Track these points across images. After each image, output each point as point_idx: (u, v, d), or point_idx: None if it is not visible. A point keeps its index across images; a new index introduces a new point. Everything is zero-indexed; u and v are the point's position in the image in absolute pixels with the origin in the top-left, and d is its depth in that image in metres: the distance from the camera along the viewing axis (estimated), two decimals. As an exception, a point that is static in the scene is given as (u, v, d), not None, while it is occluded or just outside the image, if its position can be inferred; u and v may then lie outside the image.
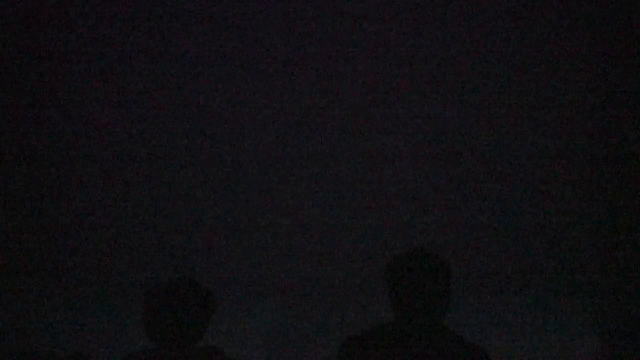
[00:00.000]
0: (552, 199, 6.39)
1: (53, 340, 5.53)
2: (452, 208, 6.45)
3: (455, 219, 6.45)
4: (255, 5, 6.37)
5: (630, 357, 5.11)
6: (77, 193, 6.53)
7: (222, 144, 6.50)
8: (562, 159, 6.38)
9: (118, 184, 6.53)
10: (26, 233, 6.45)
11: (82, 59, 6.45)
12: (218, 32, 6.40)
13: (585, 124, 6.34)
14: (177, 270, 6.61)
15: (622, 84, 6.21)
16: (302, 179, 6.52)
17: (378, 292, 6.32)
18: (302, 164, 6.50)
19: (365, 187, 6.48)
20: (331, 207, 6.51)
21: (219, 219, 6.54)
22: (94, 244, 6.58)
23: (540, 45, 6.30)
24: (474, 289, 6.33)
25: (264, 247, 6.56)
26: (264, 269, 6.58)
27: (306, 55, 6.43)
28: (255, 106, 6.48)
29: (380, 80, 6.42)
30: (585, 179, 6.37)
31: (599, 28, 6.21)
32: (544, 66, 6.33)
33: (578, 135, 6.35)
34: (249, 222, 6.55)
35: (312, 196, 6.51)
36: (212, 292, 2.48)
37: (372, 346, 2.42)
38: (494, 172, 6.41)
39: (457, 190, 6.44)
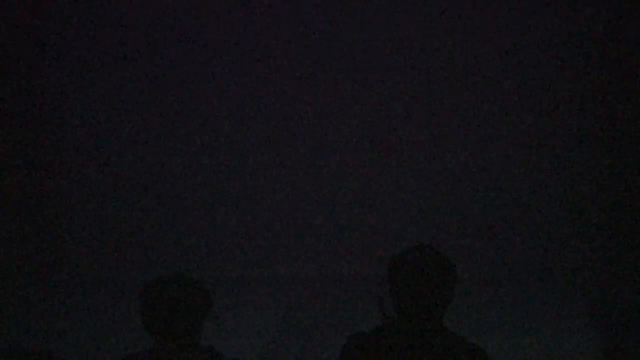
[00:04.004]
0: (552, 197, 6.40)
1: (52, 341, 5.54)
2: (452, 208, 6.46)
3: (456, 218, 6.45)
4: (258, 6, 6.38)
5: (629, 354, 5.12)
6: (76, 192, 6.54)
7: (222, 140, 6.50)
8: (562, 159, 6.39)
9: (116, 183, 6.54)
10: (26, 233, 6.46)
11: (82, 60, 6.45)
12: (218, 31, 6.41)
13: (589, 123, 6.35)
14: (177, 268, 6.61)
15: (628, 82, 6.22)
16: (303, 177, 6.52)
17: (380, 292, 6.33)
18: (303, 163, 6.51)
19: (368, 186, 6.49)
20: (332, 207, 6.51)
21: (219, 217, 6.55)
22: (92, 244, 6.58)
23: (549, 43, 6.31)
24: (473, 287, 6.34)
25: (265, 246, 6.56)
26: (264, 269, 6.59)
27: (310, 50, 6.43)
28: (259, 102, 6.49)
29: (379, 79, 6.42)
30: (586, 179, 6.38)
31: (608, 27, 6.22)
32: (548, 64, 6.34)
33: (578, 135, 6.36)
34: (249, 221, 6.56)
35: (313, 195, 6.52)
36: (207, 287, 2.55)
37: (374, 346, 2.42)
38: (494, 173, 6.41)
39: (457, 191, 6.45)
